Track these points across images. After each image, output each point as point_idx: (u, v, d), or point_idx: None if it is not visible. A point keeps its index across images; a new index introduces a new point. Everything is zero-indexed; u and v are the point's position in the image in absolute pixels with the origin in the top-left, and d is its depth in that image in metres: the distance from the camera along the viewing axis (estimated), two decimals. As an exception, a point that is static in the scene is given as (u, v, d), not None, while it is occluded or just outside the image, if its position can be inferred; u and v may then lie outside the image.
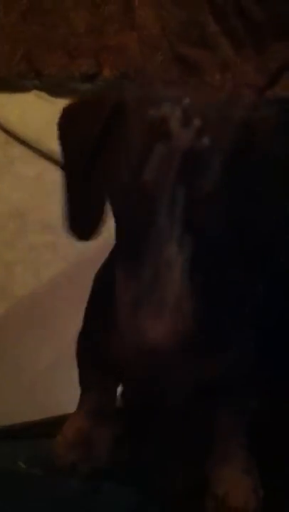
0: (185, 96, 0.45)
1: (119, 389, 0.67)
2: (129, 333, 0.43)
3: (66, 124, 0.51)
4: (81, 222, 0.53)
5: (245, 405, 0.59)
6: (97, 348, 0.60)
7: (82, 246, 1.19)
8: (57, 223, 1.31)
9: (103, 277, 0.61)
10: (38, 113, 1.28)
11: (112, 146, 0.46)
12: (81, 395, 0.65)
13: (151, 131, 0.43)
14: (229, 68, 1.29)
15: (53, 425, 0.67)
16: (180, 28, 1.25)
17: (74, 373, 0.71)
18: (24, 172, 1.29)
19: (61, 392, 0.87)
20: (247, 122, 0.45)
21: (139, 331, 0.41)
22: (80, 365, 0.66)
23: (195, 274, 0.42)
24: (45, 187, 1.26)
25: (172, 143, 0.42)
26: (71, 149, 0.51)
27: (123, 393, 0.68)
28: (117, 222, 0.48)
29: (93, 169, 0.48)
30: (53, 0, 1.38)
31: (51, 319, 1.10)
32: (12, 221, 1.24)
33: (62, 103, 1.36)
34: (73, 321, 1.01)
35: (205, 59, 1.27)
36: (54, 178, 1.34)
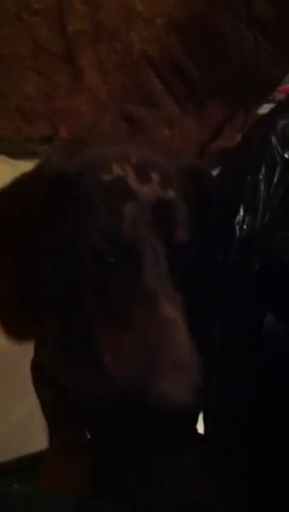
0: (132, 154, 0.45)
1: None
2: (136, 386, 0.39)
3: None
4: (16, 317, 0.48)
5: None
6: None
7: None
8: None
9: None
10: (1, 176, 1.32)
11: (64, 212, 0.43)
12: (49, 432, 0.63)
13: (113, 195, 0.42)
14: (175, 124, 1.35)
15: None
16: (125, 89, 1.32)
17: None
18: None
19: (34, 446, 0.84)
20: (194, 170, 0.48)
21: (153, 394, 0.38)
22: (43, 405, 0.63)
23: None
24: None
25: (139, 200, 0.42)
26: (13, 229, 0.46)
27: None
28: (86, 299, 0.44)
29: (44, 243, 0.44)
30: (1, 70, 1.45)
31: (23, 376, 1.12)
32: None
33: (23, 164, 1.44)
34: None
35: (151, 117, 1.33)
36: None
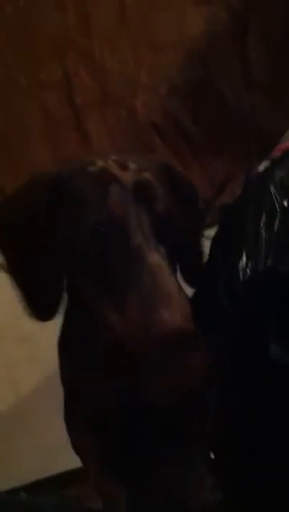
0: (112, 155, 0.56)
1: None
2: (142, 327, 0.47)
3: (5, 212, 0.57)
4: (39, 303, 0.58)
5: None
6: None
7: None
8: (35, 337, 1.37)
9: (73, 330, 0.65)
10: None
11: (63, 211, 0.52)
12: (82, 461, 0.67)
13: (100, 180, 0.52)
14: None
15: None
16: (130, 149, 1.40)
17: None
18: (2, 292, 1.37)
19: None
20: (164, 164, 0.58)
21: (153, 322, 0.47)
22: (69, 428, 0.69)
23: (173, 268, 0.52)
24: (21, 305, 1.34)
25: (121, 182, 0.52)
26: (16, 234, 0.55)
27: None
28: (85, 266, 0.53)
29: (47, 246, 0.53)
30: (14, 141, 1.54)
31: (31, 431, 1.12)
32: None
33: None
34: (54, 432, 1.05)
35: None
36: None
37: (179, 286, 0.51)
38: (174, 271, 0.54)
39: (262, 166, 1.51)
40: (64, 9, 1.55)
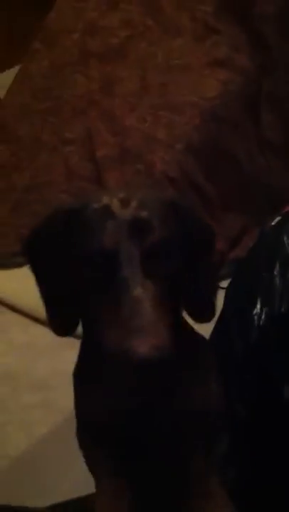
0: (121, 192, 0.59)
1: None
2: (118, 356, 0.52)
3: (33, 239, 0.62)
4: (58, 320, 0.63)
5: (218, 444, 0.65)
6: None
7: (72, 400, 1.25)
8: (48, 382, 1.38)
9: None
10: (32, 284, 1.41)
11: (75, 238, 0.58)
12: (96, 482, 0.69)
13: (99, 216, 0.57)
14: None
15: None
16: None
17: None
18: (17, 337, 1.39)
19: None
20: (171, 200, 0.61)
21: (128, 352, 0.51)
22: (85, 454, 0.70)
23: (162, 301, 0.54)
24: (36, 350, 1.36)
25: (117, 219, 0.56)
26: (40, 257, 0.61)
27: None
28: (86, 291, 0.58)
29: (63, 268, 0.58)
30: (37, 195, 1.60)
31: (42, 478, 1.11)
32: (4, 383, 1.30)
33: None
34: (66, 478, 1.03)
35: None
36: (45, 342, 1.45)
37: (161, 317, 0.54)
38: (166, 303, 0.56)
39: (274, 221, 1.55)
40: (87, 72, 1.65)
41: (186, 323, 0.67)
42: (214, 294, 0.67)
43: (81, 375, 0.70)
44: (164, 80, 1.52)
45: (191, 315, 0.65)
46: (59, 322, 0.64)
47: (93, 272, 0.56)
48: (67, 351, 1.41)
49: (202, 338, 0.75)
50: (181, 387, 0.63)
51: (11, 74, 1.86)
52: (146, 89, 1.53)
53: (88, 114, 1.57)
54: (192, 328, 0.70)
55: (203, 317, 0.67)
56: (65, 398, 1.25)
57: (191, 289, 0.62)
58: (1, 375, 1.33)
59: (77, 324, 0.63)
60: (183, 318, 0.65)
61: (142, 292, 0.54)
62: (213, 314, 0.66)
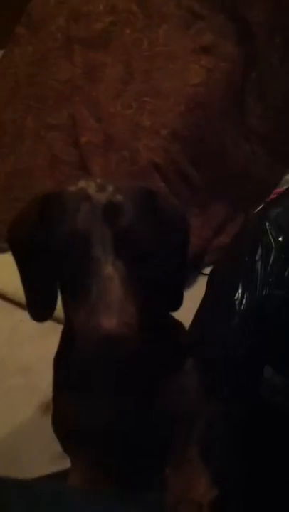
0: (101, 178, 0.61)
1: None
2: (87, 336, 0.54)
3: (12, 227, 0.64)
4: (36, 305, 0.65)
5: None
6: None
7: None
8: (32, 367, 1.38)
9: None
10: (11, 269, 1.41)
11: (49, 223, 0.60)
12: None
13: (74, 198, 0.59)
14: None
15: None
16: None
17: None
18: (1, 322, 1.39)
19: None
20: (149, 190, 0.63)
21: (95, 328, 0.53)
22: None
23: (131, 282, 0.57)
24: (21, 335, 1.36)
25: (93, 201, 0.58)
26: (19, 245, 0.63)
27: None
28: (62, 273, 0.59)
29: (40, 253, 0.60)
30: (22, 180, 1.59)
31: (26, 462, 1.12)
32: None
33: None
34: (49, 460, 1.04)
35: None
36: (29, 327, 1.45)
37: (129, 297, 0.56)
38: (135, 284, 0.58)
39: (258, 208, 1.56)
40: (72, 57, 1.64)
41: (161, 309, 0.69)
42: (183, 284, 0.68)
43: (59, 361, 0.71)
44: (149, 66, 1.52)
45: (158, 301, 0.66)
46: (38, 308, 0.65)
47: (66, 251, 0.58)
48: (52, 336, 1.41)
49: (179, 324, 0.77)
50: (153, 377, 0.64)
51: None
52: (131, 76, 1.52)
53: (72, 100, 1.57)
54: (169, 316, 0.72)
55: (169, 305, 0.68)
56: (49, 382, 1.26)
57: (162, 276, 0.63)
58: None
59: (54, 309, 0.64)
60: (157, 303, 0.66)
61: (112, 271, 0.56)
62: (179, 304, 0.67)
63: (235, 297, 0.88)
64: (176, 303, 0.68)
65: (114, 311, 0.54)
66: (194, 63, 1.45)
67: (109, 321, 0.53)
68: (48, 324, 1.42)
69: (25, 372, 1.28)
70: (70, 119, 1.54)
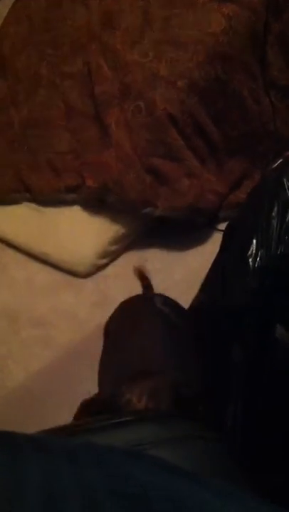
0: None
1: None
2: None
3: None
4: None
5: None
6: None
7: (71, 338, 1.28)
8: (47, 319, 1.41)
9: None
10: (29, 221, 1.42)
11: None
12: None
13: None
14: (195, 176, 1.42)
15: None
16: (148, 145, 1.40)
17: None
18: (16, 274, 1.41)
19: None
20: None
21: None
22: None
23: None
24: (35, 287, 1.37)
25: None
26: None
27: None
28: None
29: None
30: (37, 131, 1.57)
31: (39, 410, 1.15)
32: (4, 319, 1.33)
33: (49, 210, 1.52)
34: (61, 412, 1.07)
35: (173, 169, 1.40)
36: (43, 279, 1.46)
37: None
38: None
39: (276, 164, 1.53)
40: (88, 2, 1.58)
41: None
42: None
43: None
44: (168, 13, 1.46)
45: None
46: None
47: None
48: (66, 289, 1.44)
49: None
50: None
51: (6, 2, 1.78)
52: (149, 23, 1.47)
53: (88, 48, 1.52)
54: None
55: None
56: (63, 335, 1.28)
57: None
58: (2, 311, 1.35)
59: None
60: None
61: None
62: None
63: (249, 253, 0.87)
64: None
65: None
66: (215, 11, 1.39)
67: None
68: (61, 277, 1.44)
69: (40, 325, 1.30)
70: (85, 68, 1.50)
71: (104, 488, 0.26)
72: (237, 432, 0.64)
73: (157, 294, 0.99)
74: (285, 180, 0.95)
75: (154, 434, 0.41)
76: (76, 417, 0.64)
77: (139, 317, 0.88)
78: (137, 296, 0.99)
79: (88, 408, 0.64)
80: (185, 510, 0.26)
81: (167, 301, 0.92)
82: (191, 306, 1.00)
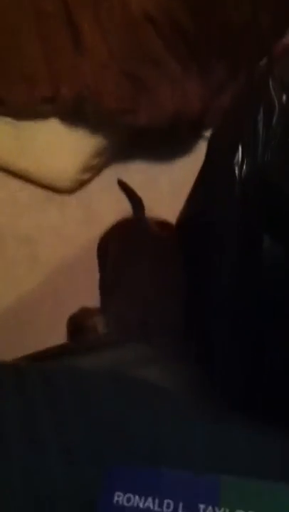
0: None
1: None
2: None
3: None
4: None
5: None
6: None
7: (60, 256, 1.28)
8: (32, 237, 1.40)
9: None
10: (5, 137, 1.36)
11: None
12: None
13: None
14: (177, 81, 1.36)
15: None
16: (126, 48, 1.32)
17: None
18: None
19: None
20: None
21: None
22: None
23: None
24: (18, 205, 1.35)
25: None
26: None
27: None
28: None
29: None
30: (5, 38, 1.47)
31: (29, 332, 1.17)
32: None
33: (25, 124, 1.46)
34: (52, 331, 1.09)
35: (153, 75, 1.34)
36: (25, 197, 1.44)
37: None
38: None
39: (262, 64, 1.46)
40: None
41: None
42: None
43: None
44: None
45: None
46: None
47: None
48: (51, 206, 1.42)
49: None
50: None
51: None
52: None
53: None
54: None
55: None
56: (50, 252, 1.28)
57: None
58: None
59: None
60: None
61: None
62: None
63: (235, 161, 0.84)
64: None
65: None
66: None
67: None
68: (45, 194, 1.42)
69: (26, 243, 1.28)
70: None
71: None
72: (220, 351, 0.65)
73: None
74: (270, 79, 0.90)
75: (142, 355, 0.41)
76: (69, 335, 0.64)
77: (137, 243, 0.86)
78: (130, 221, 0.97)
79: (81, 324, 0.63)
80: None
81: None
82: (178, 220, 0.99)
